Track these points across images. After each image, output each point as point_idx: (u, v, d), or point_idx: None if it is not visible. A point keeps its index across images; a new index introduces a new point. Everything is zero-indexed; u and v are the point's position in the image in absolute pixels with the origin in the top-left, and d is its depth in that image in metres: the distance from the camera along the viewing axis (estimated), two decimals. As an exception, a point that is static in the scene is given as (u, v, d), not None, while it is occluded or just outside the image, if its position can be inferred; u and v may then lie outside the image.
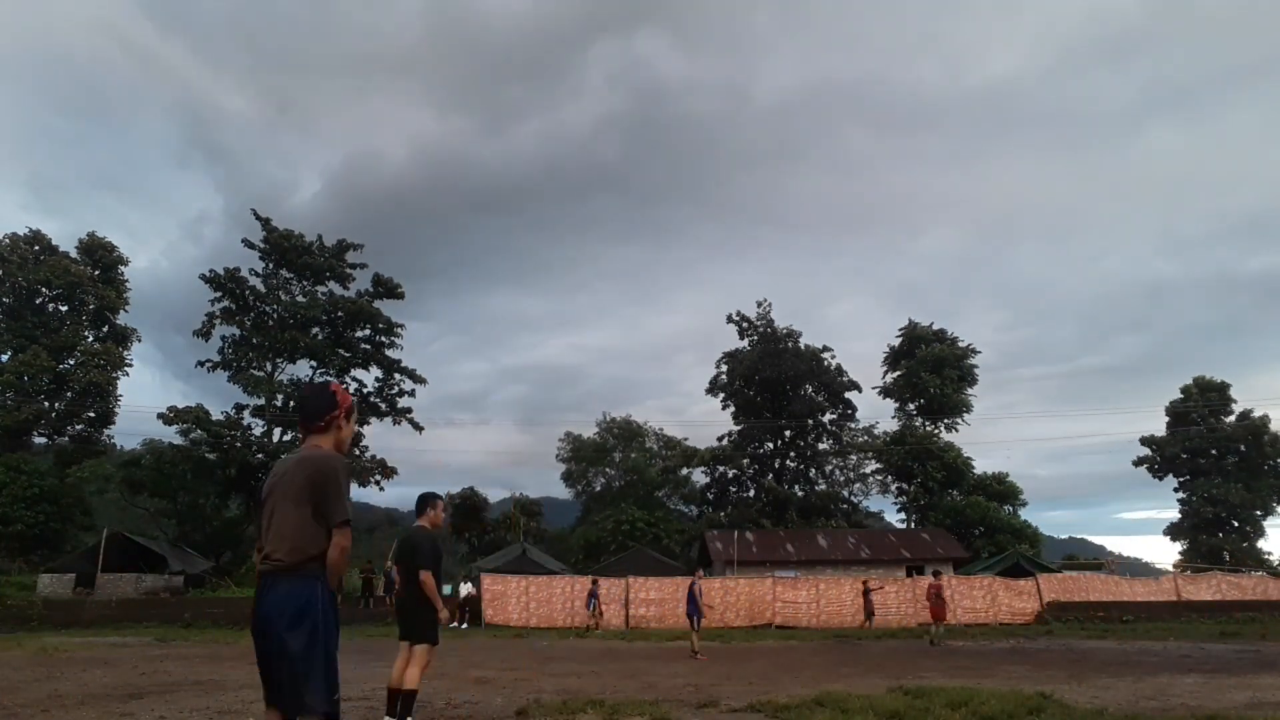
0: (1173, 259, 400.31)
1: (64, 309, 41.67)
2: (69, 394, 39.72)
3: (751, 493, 50.54)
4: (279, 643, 2.98)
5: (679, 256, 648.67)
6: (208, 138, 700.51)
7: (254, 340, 39.05)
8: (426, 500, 6.40)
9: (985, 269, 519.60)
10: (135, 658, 13.28)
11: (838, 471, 51.99)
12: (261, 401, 38.69)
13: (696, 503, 52.48)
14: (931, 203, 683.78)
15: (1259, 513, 47.21)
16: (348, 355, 40.91)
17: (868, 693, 8.02)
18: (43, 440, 41.99)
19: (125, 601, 26.08)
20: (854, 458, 51.57)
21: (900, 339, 52.01)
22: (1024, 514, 46.73)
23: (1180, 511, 49.64)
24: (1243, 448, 47.44)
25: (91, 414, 41.04)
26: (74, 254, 41.88)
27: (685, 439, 53.95)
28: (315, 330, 40.41)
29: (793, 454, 51.10)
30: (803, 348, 50.97)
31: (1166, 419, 50.01)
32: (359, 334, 41.21)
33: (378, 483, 40.31)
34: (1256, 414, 47.28)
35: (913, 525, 47.01)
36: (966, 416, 48.92)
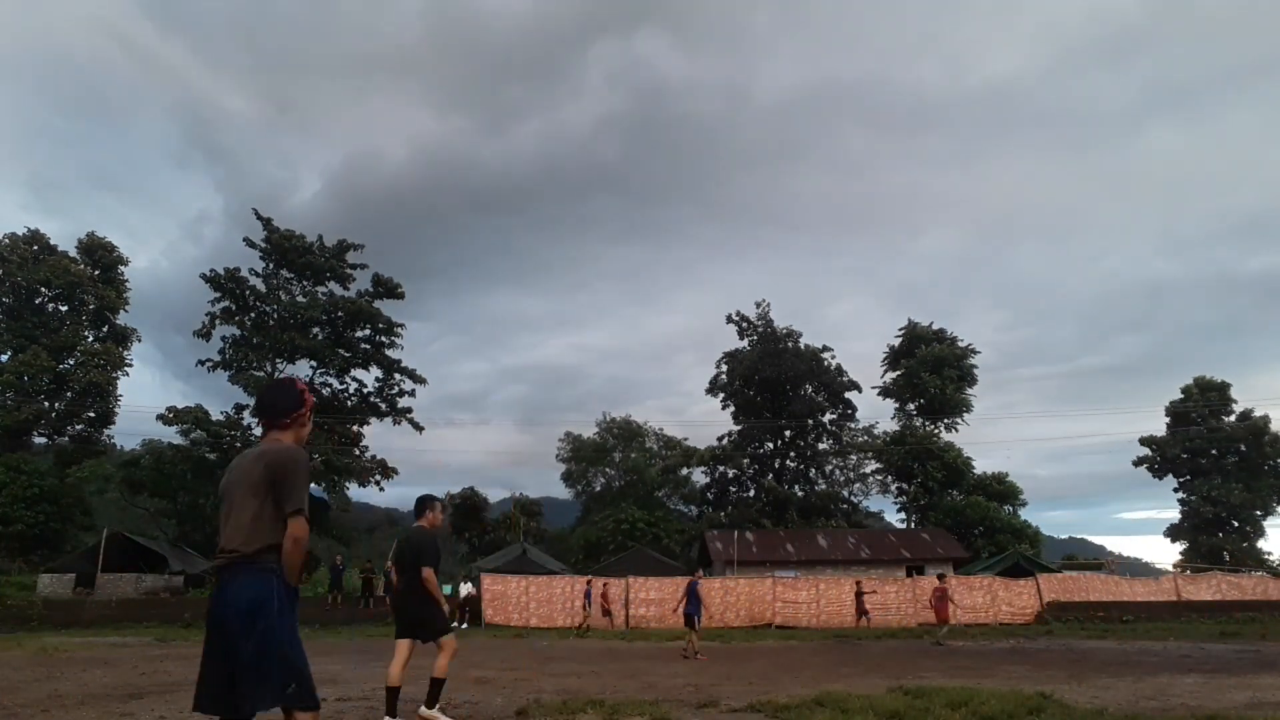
0: (1173, 259, 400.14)
1: (64, 309, 41.74)
2: (69, 394, 39.77)
3: (751, 493, 50.58)
4: (232, 638, 2.97)
5: (679, 256, 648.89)
6: (208, 138, 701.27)
7: (254, 340, 39.07)
8: (426, 502, 6.47)
9: (985, 269, 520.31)
10: (135, 658, 13.27)
11: (838, 471, 52.11)
12: (261, 402, 38.66)
13: (696, 503, 52.53)
14: (931, 203, 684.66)
15: (1259, 513, 47.23)
16: (348, 355, 40.96)
17: (868, 693, 8.01)
18: (43, 440, 42.10)
19: (125, 601, 26.11)
20: (854, 458, 51.65)
21: (900, 339, 52.05)
22: (1024, 514, 46.87)
23: (1180, 511, 49.66)
24: (1243, 448, 47.45)
25: (91, 414, 41.13)
26: (74, 254, 41.95)
27: (685, 439, 54.18)
28: (315, 330, 40.44)
29: (793, 454, 51.15)
30: (803, 348, 51.03)
31: (1166, 419, 50.06)
32: (359, 334, 41.25)
33: (378, 483, 40.40)
34: (1257, 414, 47.35)
35: (913, 525, 47.02)
36: (966, 416, 49.03)
